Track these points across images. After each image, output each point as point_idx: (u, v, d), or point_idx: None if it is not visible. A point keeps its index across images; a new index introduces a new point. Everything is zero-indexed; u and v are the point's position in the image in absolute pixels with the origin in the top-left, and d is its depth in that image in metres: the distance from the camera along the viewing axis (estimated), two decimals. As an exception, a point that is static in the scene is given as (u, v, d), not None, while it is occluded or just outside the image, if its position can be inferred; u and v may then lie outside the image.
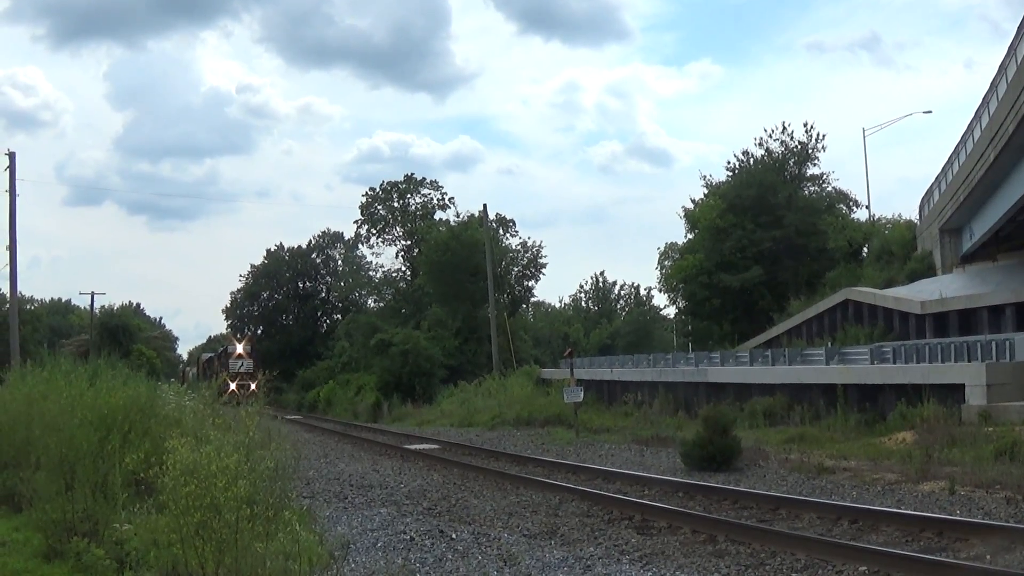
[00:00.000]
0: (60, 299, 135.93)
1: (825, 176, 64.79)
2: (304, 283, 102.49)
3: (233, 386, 58.98)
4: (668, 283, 70.10)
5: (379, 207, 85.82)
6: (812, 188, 64.62)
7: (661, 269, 73.74)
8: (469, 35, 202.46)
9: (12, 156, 49.79)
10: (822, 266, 58.60)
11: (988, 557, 10.92)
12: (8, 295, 57.82)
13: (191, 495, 8.42)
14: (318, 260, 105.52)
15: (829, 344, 37.06)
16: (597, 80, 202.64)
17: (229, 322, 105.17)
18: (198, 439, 9.51)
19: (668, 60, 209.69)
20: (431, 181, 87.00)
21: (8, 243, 49.34)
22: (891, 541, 12.35)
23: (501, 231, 74.79)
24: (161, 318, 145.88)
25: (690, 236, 67.31)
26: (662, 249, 75.23)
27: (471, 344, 65.47)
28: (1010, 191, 35.07)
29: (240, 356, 73.86)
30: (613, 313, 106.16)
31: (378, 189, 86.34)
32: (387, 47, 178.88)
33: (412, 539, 13.43)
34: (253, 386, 64.59)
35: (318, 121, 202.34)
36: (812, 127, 64.00)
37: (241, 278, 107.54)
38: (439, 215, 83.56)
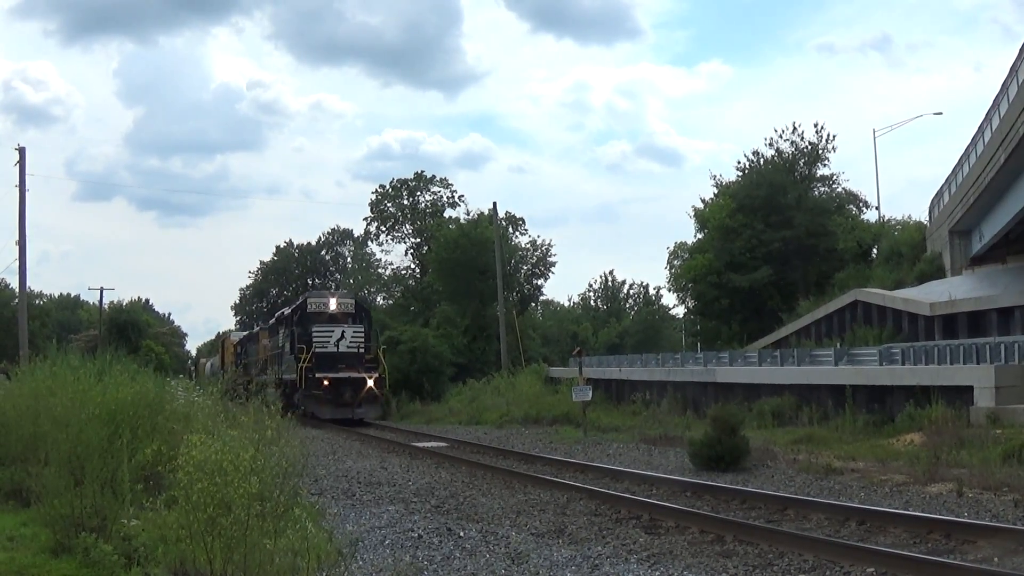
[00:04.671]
0: (69, 294, 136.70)
1: (835, 177, 64.95)
2: (313, 280, 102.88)
3: (326, 381, 39.70)
4: (677, 283, 70.16)
5: (389, 204, 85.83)
6: (822, 188, 64.68)
7: (670, 268, 73.82)
8: (481, 33, 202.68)
9: (22, 151, 50.00)
10: (831, 267, 58.62)
11: (996, 559, 10.91)
12: (17, 290, 57.92)
13: (203, 491, 8.44)
14: (327, 257, 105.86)
15: (838, 345, 37.03)
16: (607, 79, 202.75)
17: (238, 318, 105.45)
18: (209, 434, 9.51)
19: (678, 60, 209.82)
20: (441, 179, 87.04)
21: (18, 238, 49.50)
22: (899, 543, 12.34)
23: (511, 229, 74.89)
24: (170, 314, 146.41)
25: (699, 236, 67.38)
26: (671, 248, 75.29)
27: (480, 342, 65.47)
28: (1020, 194, 35.02)
29: (335, 317, 42.35)
30: (622, 312, 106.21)
31: (388, 186, 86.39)
32: (398, 44, 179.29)
33: (420, 537, 13.44)
34: (371, 382, 40.47)
35: (329, 118, 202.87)
36: (822, 127, 64.37)
37: (250, 274, 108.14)
38: (449, 213, 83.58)
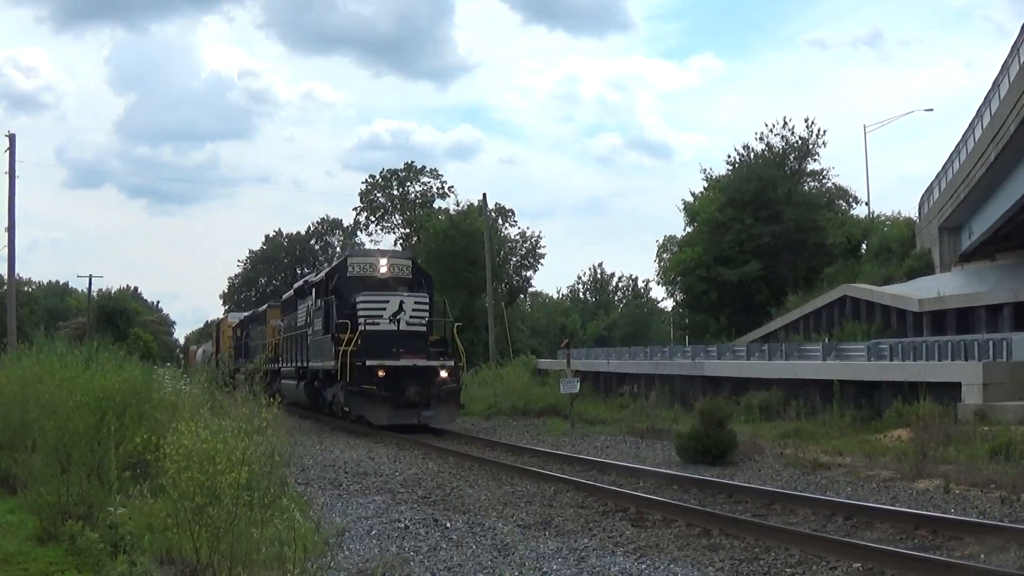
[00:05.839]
0: (58, 282, 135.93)
1: (825, 172, 65.18)
2: (302, 269, 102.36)
3: (381, 372, 28.31)
4: (666, 276, 70.22)
5: (378, 195, 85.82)
6: (812, 183, 64.83)
7: (659, 262, 73.88)
8: (472, 24, 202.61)
9: (12, 138, 49.79)
10: (820, 262, 58.79)
11: (982, 556, 10.93)
12: (6, 277, 57.71)
13: (191, 480, 8.42)
14: (316, 246, 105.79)
15: (826, 340, 37.11)
16: (598, 72, 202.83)
17: (227, 307, 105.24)
18: (198, 424, 9.49)
19: (670, 53, 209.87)
20: (431, 169, 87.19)
21: (7, 225, 49.32)
22: (885, 538, 12.35)
23: (500, 221, 74.86)
24: (158, 302, 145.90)
25: (689, 229, 67.51)
26: (661, 242, 75.35)
27: (468, 333, 65.21)
28: (1010, 191, 35.13)
29: (385, 283, 31.31)
30: (611, 305, 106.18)
31: (378, 176, 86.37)
32: (390, 34, 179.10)
33: (406, 527, 13.42)
34: (444, 373, 29.34)
35: (320, 108, 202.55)
36: (813, 122, 64.21)
37: (239, 263, 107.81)
38: (438, 203, 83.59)
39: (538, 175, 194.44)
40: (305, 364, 34.35)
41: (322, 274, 33.77)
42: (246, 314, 56.04)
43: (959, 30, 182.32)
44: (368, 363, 28.27)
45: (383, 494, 16.97)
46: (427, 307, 30.78)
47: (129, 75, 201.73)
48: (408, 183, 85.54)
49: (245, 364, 39.55)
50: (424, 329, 30.28)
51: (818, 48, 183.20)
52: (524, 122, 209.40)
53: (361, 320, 29.17)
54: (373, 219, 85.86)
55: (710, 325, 62.97)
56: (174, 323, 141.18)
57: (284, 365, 38.31)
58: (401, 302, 29.84)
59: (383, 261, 31.87)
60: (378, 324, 29.31)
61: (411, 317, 29.83)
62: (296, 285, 39.90)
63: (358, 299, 29.81)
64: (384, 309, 29.65)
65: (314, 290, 33.65)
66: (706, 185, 66.72)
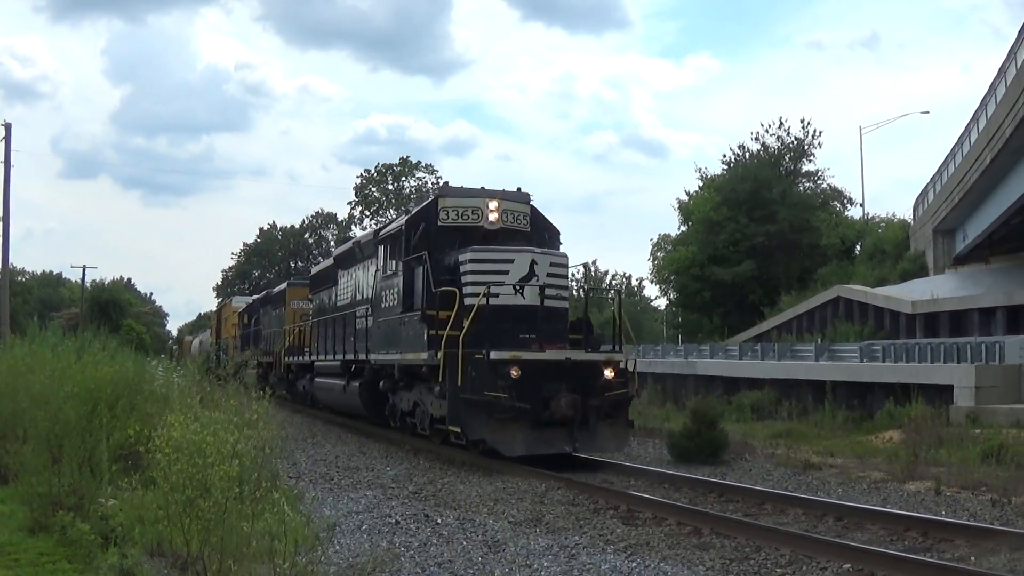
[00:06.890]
0: (51, 272, 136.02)
1: (820, 173, 65.40)
2: (296, 263, 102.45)
3: (514, 370, 18.00)
4: (660, 274, 70.20)
5: (374, 189, 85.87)
6: (807, 184, 64.94)
7: (653, 260, 73.84)
8: (470, 20, 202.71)
9: (8, 127, 49.64)
10: (814, 262, 58.88)
11: (972, 559, 10.94)
12: (0, 267, 57.58)
13: (182, 472, 8.40)
14: (311, 240, 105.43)
15: (819, 340, 37.14)
16: (595, 70, 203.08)
17: (220, 300, 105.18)
18: (189, 416, 9.47)
19: (667, 52, 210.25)
20: (426, 164, 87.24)
21: (2, 214, 49.20)
22: (876, 539, 12.35)
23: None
24: (152, 294, 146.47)
25: (683, 228, 67.45)
26: (655, 240, 75.31)
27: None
28: (1005, 194, 35.18)
29: (495, 235, 20.60)
30: (604, 302, 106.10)
31: (373, 171, 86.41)
32: (387, 29, 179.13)
33: (397, 523, 13.39)
34: (610, 372, 19.34)
35: (316, 101, 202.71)
36: (809, 123, 64.54)
37: (233, 256, 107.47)
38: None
39: (533, 172, 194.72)
40: (362, 357, 24.59)
41: (399, 223, 22.54)
42: (256, 296, 47.38)
43: (956, 33, 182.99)
44: (493, 356, 18.27)
45: (374, 489, 16.93)
46: (566, 271, 21.26)
47: (126, 66, 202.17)
48: (403, 178, 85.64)
49: (263, 357, 37.93)
50: (566, 305, 21.24)
51: (815, 49, 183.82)
52: (520, 119, 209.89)
53: (471, 290, 19.16)
54: (368, 213, 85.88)
55: (703, 324, 63.01)
56: (167, 315, 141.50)
57: (319, 358, 29.56)
58: (532, 262, 19.46)
59: (492, 204, 21.19)
60: (499, 295, 18.95)
61: (547, 285, 19.47)
62: (338, 251, 30.69)
63: (463, 258, 19.92)
64: (507, 273, 19.31)
65: (383, 248, 23.13)
66: (701, 184, 66.83)
